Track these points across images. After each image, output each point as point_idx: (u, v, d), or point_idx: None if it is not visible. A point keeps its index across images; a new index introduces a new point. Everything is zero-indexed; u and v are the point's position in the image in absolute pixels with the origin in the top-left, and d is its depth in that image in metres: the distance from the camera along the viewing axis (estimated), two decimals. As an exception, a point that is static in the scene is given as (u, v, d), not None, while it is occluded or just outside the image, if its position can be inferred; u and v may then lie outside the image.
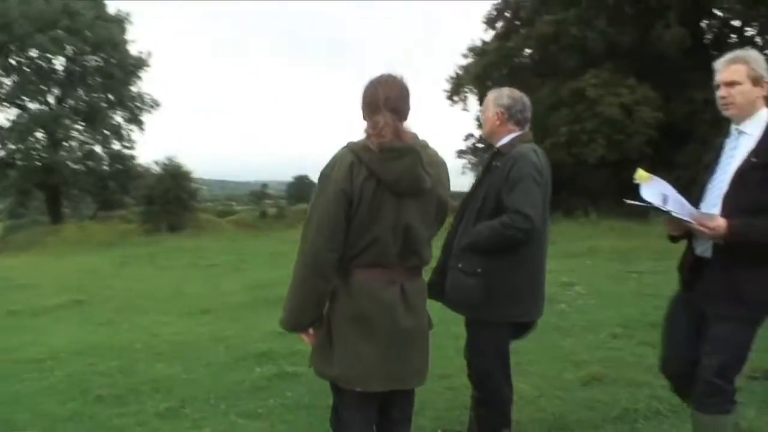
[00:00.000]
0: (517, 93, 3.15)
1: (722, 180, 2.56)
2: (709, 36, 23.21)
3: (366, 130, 2.27)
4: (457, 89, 25.92)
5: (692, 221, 2.43)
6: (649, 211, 2.96)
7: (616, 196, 23.52)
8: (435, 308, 3.15)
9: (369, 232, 2.23)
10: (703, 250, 2.58)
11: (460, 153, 28.01)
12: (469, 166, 27.33)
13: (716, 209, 2.50)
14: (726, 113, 2.59)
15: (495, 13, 24.29)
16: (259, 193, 49.56)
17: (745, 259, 2.45)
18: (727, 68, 2.56)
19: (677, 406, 3.43)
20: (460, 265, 2.95)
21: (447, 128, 36.90)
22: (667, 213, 2.49)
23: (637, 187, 2.60)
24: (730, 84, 2.53)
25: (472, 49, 25.14)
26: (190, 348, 5.69)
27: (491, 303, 2.94)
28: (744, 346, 2.55)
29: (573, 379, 4.26)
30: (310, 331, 2.41)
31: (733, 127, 2.62)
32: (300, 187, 44.49)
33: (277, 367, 4.76)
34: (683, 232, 2.64)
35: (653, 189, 2.55)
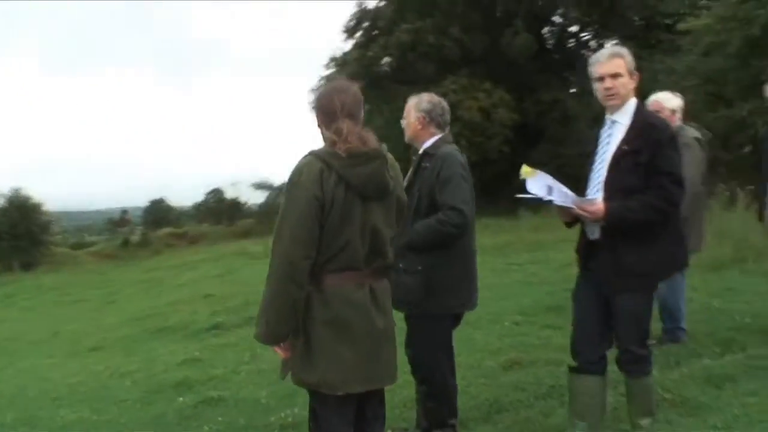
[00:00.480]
0: (435, 98, 3.35)
1: (601, 167, 2.85)
2: (551, 41, 25.28)
3: (329, 137, 2.32)
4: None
5: (575, 207, 2.72)
6: (529, 203, 3.21)
7: (480, 195, 24.98)
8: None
9: (340, 236, 2.28)
10: (592, 232, 2.87)
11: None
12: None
13: (599, 194, 2.80)
14: (609, 104, 2.87)
15: (354, 22, 24.74)
16: (118, 221, 46.43)
17: (626, 238, 2.74)
18: (610, 62, 2.84)
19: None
20: (401, 265, 3.05)
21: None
22: (551, 202, 2.77)
23: (523, 182, 2.86)
24: (614, 76, 2.81)
25: (333, 60, 25.46)
26: (92, 388, 5.31)
27: (433, 297, 3.11)
28: (643, 314, 2.89)
29: (495, 366, 4.51)
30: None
31: (607, 117, 2.93)
32: (157, 211, 41.97)
33: (199, 394, 4.58)
34: (573, 218, 2.92)
35: (538, 182, 2.81)
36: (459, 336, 5.16)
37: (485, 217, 16.68)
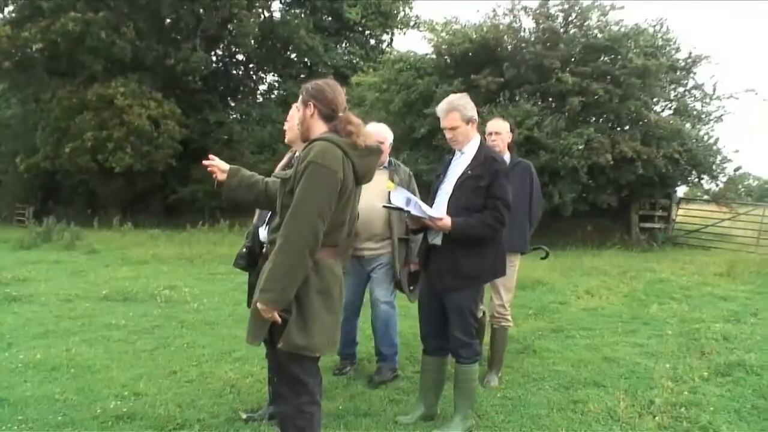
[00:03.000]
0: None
1: (448, 187, 3.42)
2: (220, 65, 25.91)
3: (341, 129, 2.58)
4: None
5: (427, 219, 3.40)
6: (392, 211, 3.70)
7: (135, 203, 24.04)
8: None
9: (340, 216, 2.56)
10: (433, 238, 3.44)
11: None
12: None
13: (444, 209, 3.35)
14: (454, 147, 3.57)
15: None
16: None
17: (463, 246, 3.33)
18: (447, 117, 3.43)
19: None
20: None
21: None
22: (409, 212, 3.30)
23: (388, 193, 3.46)
24: (451, 129, 3.44)
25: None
26: None
27: None
28: (470, 308, 3.42)
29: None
30: None
31: (458, 151, 3.57)
32: None
33: None
34: (420, 226, 3.53)
35: (399, 194, 3.45)
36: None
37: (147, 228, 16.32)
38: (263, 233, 3.58)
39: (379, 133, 4.18)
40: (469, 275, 3.39)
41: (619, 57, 13.71)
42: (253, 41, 22.17)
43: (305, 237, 2.42)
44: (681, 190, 16.54)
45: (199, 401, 3.91)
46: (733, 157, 15.41)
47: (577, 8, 14.43)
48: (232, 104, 26.68)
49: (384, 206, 3.54)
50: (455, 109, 3.44)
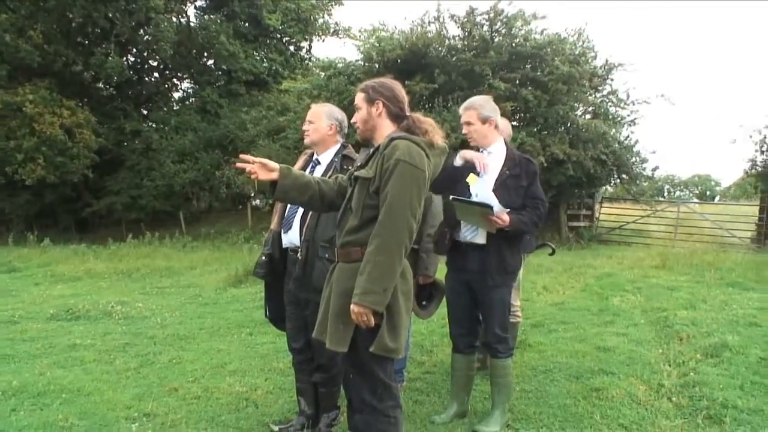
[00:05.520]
0: (341, 112, 3.61)
1: (488, 186, 3.33)
2: (132, 72, 24.80)
3: (417, 127, 2.56)
4: None
5: (495, 214, 3.25)
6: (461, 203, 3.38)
7: (47, 219, 22.54)
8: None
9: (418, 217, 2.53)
10: (473, 237, 3.42)
11: None
12: None
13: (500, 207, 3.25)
14: (472, 144, 3.64)
15: None
16: None
17: (506, 243, 3.38)
18: (464, 113, 3.56)
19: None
20: (326, 255, 3.10)
21: None
22: (486, 206, 3.20)
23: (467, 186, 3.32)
24: (467, 123, 3.53)
25: None
26: None
27: None
28: (509, 303, 3.51)
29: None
30: None
31: (481, 148, 3.58)
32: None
33: None
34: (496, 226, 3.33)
35: (481, 187, 3.32)
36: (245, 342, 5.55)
37: (67, 243, 15.33)
38: (290, 237, 3.50)
39: None
40: (514, 270, 3.53)
41: (545, 64, 14.35)
42: (169, 47, 21.32)
43: (402, 236, 2.40)
44: (605, 190, 17.54)
45: (219, 417, 3.78)
46: (650, 158, 16.55)
47: (502, 17, 14.98)
48: (145, 112, 25.62)
49: (454, 199, 3.37)
50: (473, 107, 3.54)
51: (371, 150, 2.65)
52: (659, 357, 4.58)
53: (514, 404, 3.76)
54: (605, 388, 3.89)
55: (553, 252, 4.81)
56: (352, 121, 2.82)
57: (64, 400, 4.16)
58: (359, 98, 2.68)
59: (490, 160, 3.46)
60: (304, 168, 3.63)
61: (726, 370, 4.18)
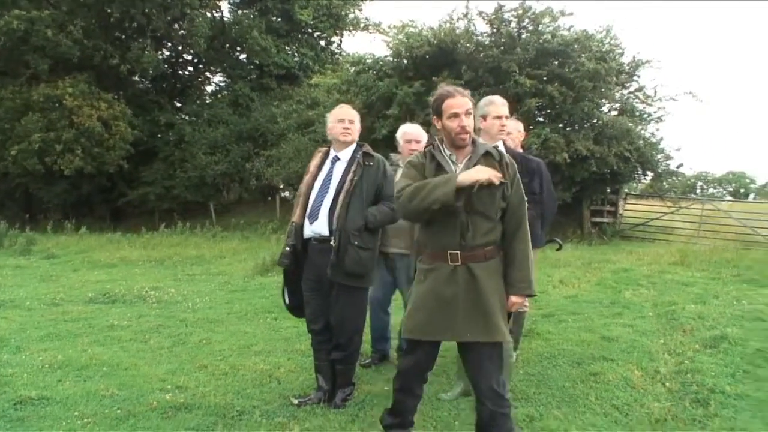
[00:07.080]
0: None
1: None
2: (167, 66, 25.47)
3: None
4: None
5: None
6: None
7: (83, 208, 23.37)
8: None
9: None
10: None
11: None
12: None
13: None
14: (501, 137, 3.83)
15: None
16: None
17: None
18: (505, 106, 3.80)
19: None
20: (356, 242, 3.62)
21: None
22: None
23: None
24: (506, 117, 3.81)
25: None
26: None
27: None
28: None
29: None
30: None
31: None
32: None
33: None
34: None
35: None
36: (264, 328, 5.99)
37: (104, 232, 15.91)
38: (315, 228, 3.74)
39: (415, 133, 4.48)
40: None
41: (571, 61, 14.44)
42: (203, 42, 21.88)
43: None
44: (636, 186, 17.50)
45: (245, 391, 4.12)
46: (675, 155, 16.51)
47: (530, 14, 15.09)
48: (178, 105, 26.28)
49: None
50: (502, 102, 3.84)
51: (465, 155, 2.91)
52: (660, 347, 4.80)
53: (516, 385, 4.04)
54: (603, 373, 4.15)
55: (560, 247, 5.03)
56: (461, 125, 2.86)
57: (104, 373, 4.56)
58: (472, 106, 2.91)
59: None
60: (320, 165, 3.95)
61: (721, 360, 4.39)
